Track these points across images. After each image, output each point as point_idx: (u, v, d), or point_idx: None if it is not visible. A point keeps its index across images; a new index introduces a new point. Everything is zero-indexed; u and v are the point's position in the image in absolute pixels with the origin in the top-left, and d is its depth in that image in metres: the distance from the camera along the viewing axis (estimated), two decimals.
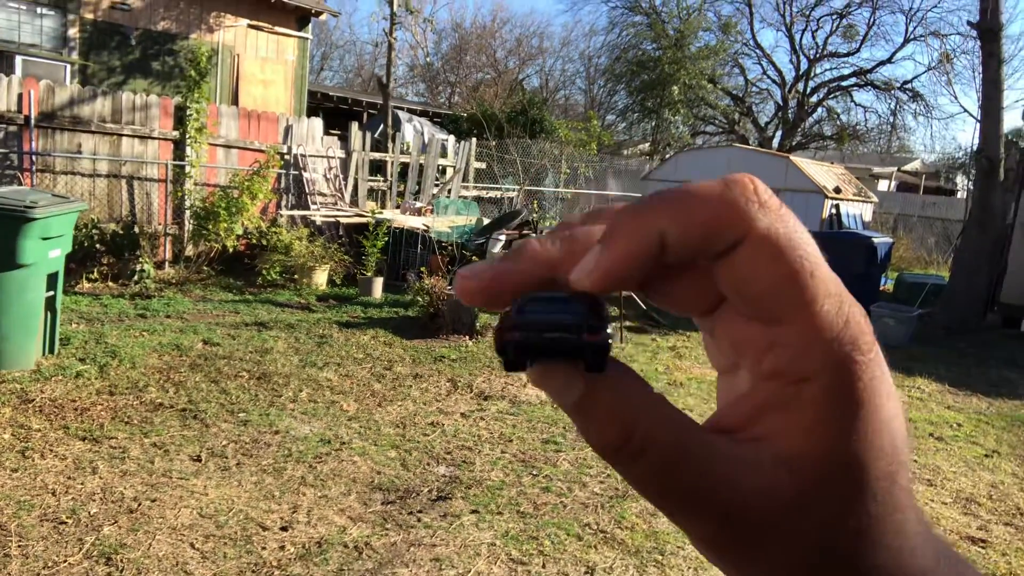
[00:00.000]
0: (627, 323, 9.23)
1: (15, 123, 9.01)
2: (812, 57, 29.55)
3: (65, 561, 3.40)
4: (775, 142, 29.44)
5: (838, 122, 30.18)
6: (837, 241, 10.66)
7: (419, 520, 4.05)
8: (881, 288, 12.19)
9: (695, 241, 0.29)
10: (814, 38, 29.71)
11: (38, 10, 12.71)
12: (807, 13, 29.42)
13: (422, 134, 16.30)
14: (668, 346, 8.72)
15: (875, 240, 10.47)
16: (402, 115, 18.76)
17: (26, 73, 11.41)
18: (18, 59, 11.96)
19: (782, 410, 0.30)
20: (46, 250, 5.67)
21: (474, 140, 15.83)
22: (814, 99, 29.87)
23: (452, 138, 16.20)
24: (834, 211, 13.13)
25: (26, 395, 5.28)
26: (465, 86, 37.21)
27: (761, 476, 0.30)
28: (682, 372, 7.60)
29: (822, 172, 13.97)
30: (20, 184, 8.74)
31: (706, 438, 0.31)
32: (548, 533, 4.02)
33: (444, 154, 15.04)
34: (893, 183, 31.01)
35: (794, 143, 29.06)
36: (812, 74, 29.69)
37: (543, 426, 5.61)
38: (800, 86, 29.61)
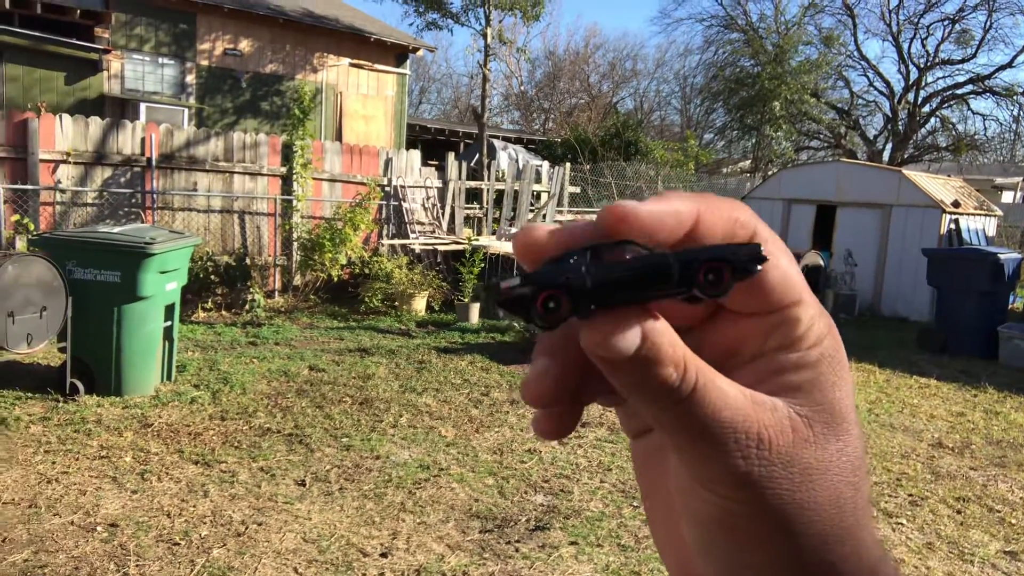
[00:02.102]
0: None
1: (139, 164, 9.67)
2: (922, 66, 28.14)
3: None
4: (885, 155, 28.12)
5: (954, 132, 28.55)
6: (959, 258, 9.99)
7: (517, 550, 3.99)
8: (1009, 307, 11.33)
9: (719, 228, 0.36)
10: (924, 46, 28.34)
11: (160, 60, 13.67)
12: (915, 21, 28.12)
13: (516, 161, 16.44)
14: None
15: (1001, 256, 9.75)
16: (497, 143, 19.02)
17: (149, 118, 12.25)
18: (142, 106, 12.88)
19: (791, 372, 0.36)
20: (164, 283, 6.00)
21: (568, 165, 15.86)
22: (926, 109, 28.40)
23: (546, 164, 16.28)
24: (953, 226, 12.35)
25: (146, 420, 5.57)
26: (559, 112, 37.44)
27: (780, 416, 0.36)
28: None
29: (938, 185, 13.20)
30: (142, 221, 9.34)
31: (730, 381, 0.36)
32: (651, 568, 3.87)
33: (538, 180, 15.11)
34: (1019, 194, 28.98)
35: (906, 156, 27.66)
36: (923, 83, 28.27)
37: None
38: (910, 96, 28.23)
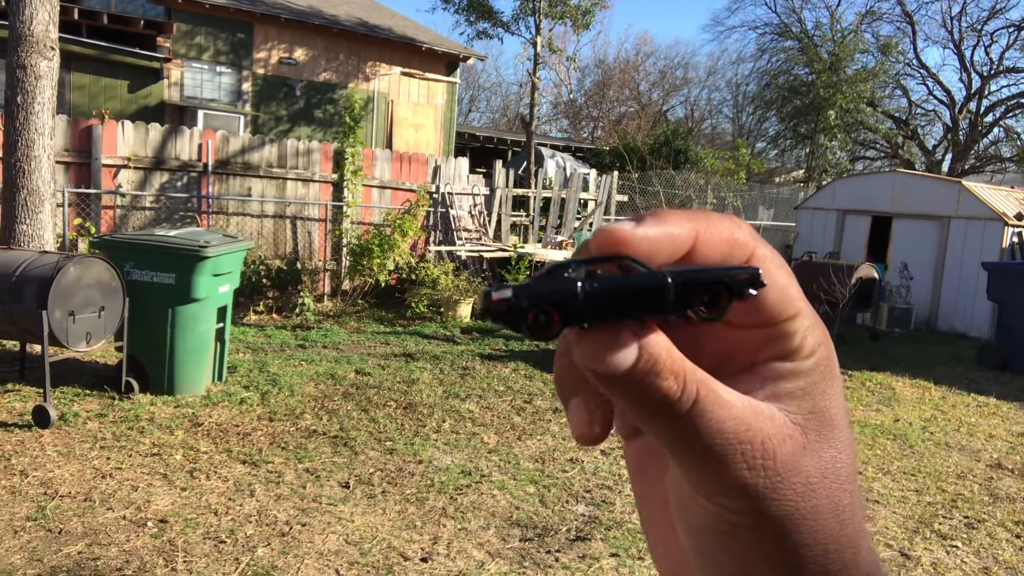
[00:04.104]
0: None
1: (195, 170, 9.94)
2: (985, 74, 27.31)
3: None
4: (944, 166, 27.33)
5: (1018, 142, 27.60)
6: (1022, 273, 9.64)
7: (557, 560, 3.97)
8: None
9: (717, 249, 0.36)
10: (987, 53, 27.50)
11: (218, 68, 14.05)
12: (978, 28, 27.32)
13: (564, 169, 16.44)
14: None
15: None
16: (545, 151, 19.05)
17: (206, 125, 12.59)
18: (200, 113, 13.24)
19: (785, 380, 0.36)
20: (217, 285, 6.15)
21: (616, 173, 15.78)
22: (989, 118, 27.52)
23: (593, 172, 16.23)
24: (1016, 240, 11.93)
25: (196, 419, 5.71)
26: (608, 120, 37.33)
27: (779, 424, 0.35)
28: None
29: (1000, 197, 12.77)
30: (197, 225, 9.59)
31: (729, 389, 0.35)
32: None
33: (586, 188, 15.08)
34: None
35: (966, 167, 26.84)
36: (986, 92, 27.43)
37: None
38: (972, 105, 27.40)
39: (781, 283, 0.36)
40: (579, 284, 0.33)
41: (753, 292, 0.35)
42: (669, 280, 0.33)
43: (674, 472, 0.37)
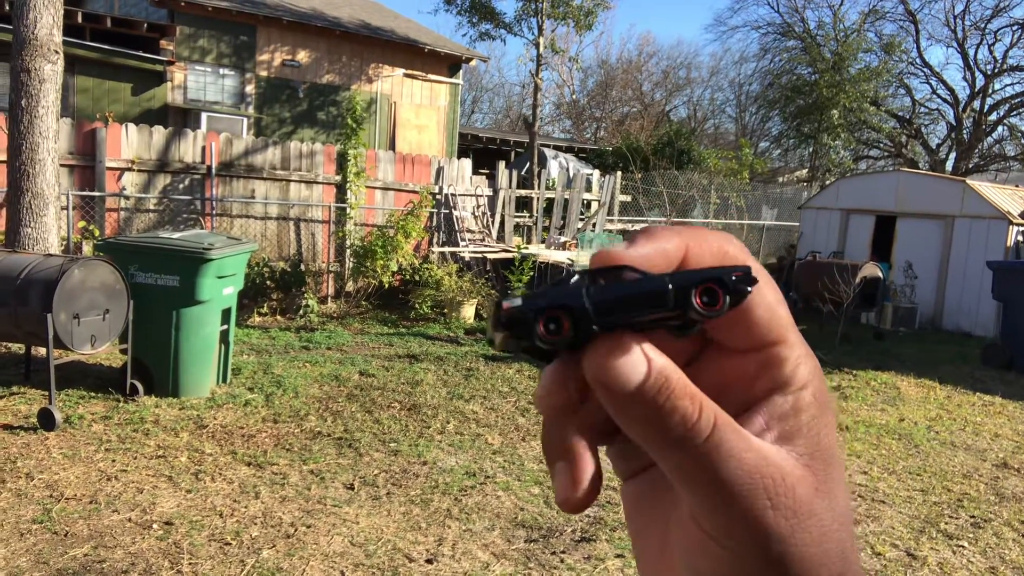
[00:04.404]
0: None
1: (199, 172, 9.96)
2: (989, 72, 27.24)
3: None
4: (948, 165, 27.27)
5: (1023, 141, 27.52)
6: None
7: (562, 561, 3.97)
8: None
9: (708, 263, 0.36)
10: (991, 52, 27.44)
11: (221, 71, 14.08)
12: (982, 26, 27.25)
13: (567, 170, 16.44)
14: (832, 385, 8.16)
15: None
16: (548, 152, 19.04)
17: (210, 127, 12.62)
18: (203, 115, 13.27)
19: (790, 418, 0.36)
20: (221, 288, 6.16)
21: (619, 174, 15.77)
22: (993, 117, 27.45)
23: (597, 172, 16.23)
24: (1020, 238, 11.89)
25: (201, 421, 5.71)
26: (611, 120, 37.29)
27: (792, 464, 0.34)
28: (848, 415, 7.07)
29: (1005, 196, 12.73)
30: (201, 228, 9.61)
31: (739, 425, 0.34)
32: None
33: (589, 188, 15.07)
34: None
35: (970, 166, 26.78)
36: (990, 91, 27.34)
37: None
38: (976, 104, 27.32)
39: (769, 300, 0.36)
40: (585, 288, 0.34)
41: (748, 288, 0.35)
42: (668, 282, 0.35)
43: (683, 515, 0.36)
